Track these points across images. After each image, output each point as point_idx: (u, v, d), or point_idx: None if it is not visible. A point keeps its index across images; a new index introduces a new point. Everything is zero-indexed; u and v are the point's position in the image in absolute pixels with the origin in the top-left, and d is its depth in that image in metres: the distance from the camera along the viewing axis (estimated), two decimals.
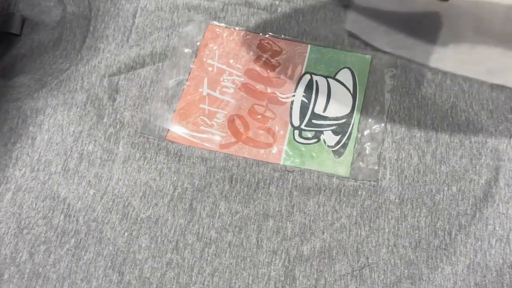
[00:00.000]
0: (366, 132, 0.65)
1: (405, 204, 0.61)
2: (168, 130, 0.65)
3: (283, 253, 0.59)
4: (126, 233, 0.60)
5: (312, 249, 0.59)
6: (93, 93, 0.68)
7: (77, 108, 0.67)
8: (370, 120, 0.65)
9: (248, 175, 0.63)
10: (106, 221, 0.61)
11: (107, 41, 0.71)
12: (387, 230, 0.60)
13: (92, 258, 0.59)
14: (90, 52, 0.70)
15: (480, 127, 0.65)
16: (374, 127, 0.65)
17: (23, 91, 0.68)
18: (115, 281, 0.58)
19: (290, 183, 0.63)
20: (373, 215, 0.61)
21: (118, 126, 0.66)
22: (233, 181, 0.63)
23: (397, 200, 0.62)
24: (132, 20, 0.73)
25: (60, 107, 0.67)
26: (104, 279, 0.58)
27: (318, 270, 0.58)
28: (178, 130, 0.65)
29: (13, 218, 0.61)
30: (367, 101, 0.66)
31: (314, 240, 0.60)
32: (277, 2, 0.73)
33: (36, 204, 0.62)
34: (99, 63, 0.70)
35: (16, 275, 0.58)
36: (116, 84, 0.68)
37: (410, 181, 0.62)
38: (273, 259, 0.59)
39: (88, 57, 0.70)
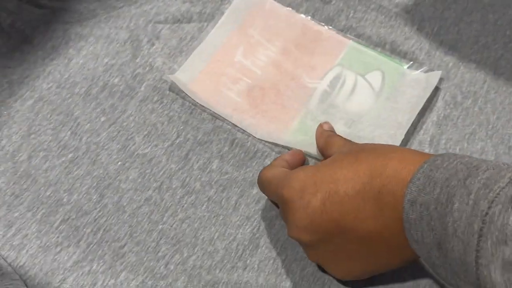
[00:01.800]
0: (377, 132, 0.64)
1: None
2: (191, 83, 0.68)
3: (256, 221, 0.60)
4: (119, 162, 0.63)
5: (283, 225, 0.60)
6: (135, 34, 0.71)
7: (117, 43, 0.71)
8: (384, 124, 0.65)
9: (249, 143, 0.65)
10: (106, 147, 0.64)
11: None
12: None
13: (81, 175, 0.62)
14: None
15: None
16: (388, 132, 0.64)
17: (74, 16, 0.73)
18: (94, 200, 0.61)
19: None
20: None
21: (147, 69, 0.69)
22: (234, 145, 0.64)
23: None
24: None
25: (103, 39, 0.71)
26: (85, 195, 0.61)
27: (283, 247, 0.59)
28: (199, 86, 0.68)
29: (26, 122, 0.65)
30: (388, 107, 0.66)
31: None
32: None
33: (50, 116, 0.66)
34: (150, 9, 0.73)
35: (11, 170, 0.63)
36: (159, 32, 0.72)
37: None
38: (244, 224, 0.60)
39: (143, 2, 0.74)
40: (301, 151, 0.61)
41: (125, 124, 0.65)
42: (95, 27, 0.72)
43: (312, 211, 0.49)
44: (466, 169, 0.40)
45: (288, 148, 0.64)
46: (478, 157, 0.43)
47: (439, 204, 0.40)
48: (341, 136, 0.59)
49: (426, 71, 0.68)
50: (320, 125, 0.62)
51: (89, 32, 0.71)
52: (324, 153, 0.59)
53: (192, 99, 0.66)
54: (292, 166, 0.58)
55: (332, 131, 0.61)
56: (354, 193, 0.47)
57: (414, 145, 0.64)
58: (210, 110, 0.66)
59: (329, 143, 0.58)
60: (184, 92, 0.67)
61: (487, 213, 0.36)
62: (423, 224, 0.41)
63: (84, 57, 0.70)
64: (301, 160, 0.60)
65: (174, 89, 0.67)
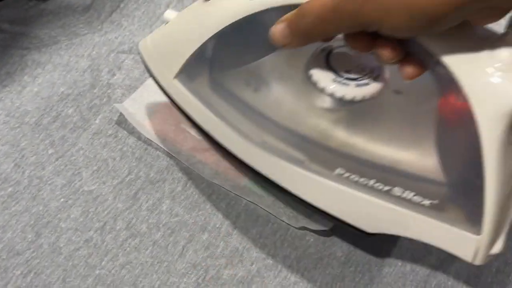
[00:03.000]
0: None
1: (350, 265, 0.55)
2: (143, 115, 0.63)
3: (202, 269, 0.55)
4: (62, 199, 0.59)
5: (233, 275, 0.54)
6: (96, 63, 0.68)
7: (76, 72, 0.67)
8: None
9: (204, 184, 0.60)
10: (49, 182, 0.60)
11: (132, 21, 0.71)
12: (318, 284, 0.54)
13: (18, 211, 0.58)
14: (111, 26, 0.71)
15: None
16: None
17: (34, 42, 0.69)
18: (29, 239, 0.56)
19: (242, 206, 0.59)
20: (310, 266, 0.55)
21: (104, 100, 0.65)
22: (188, 185, 0.60)
23: (342, 258, 0.56)
24: (164, 9, 0.72)
25: (61, 67, 0.67)
26: (19, 234, 0.57)
27: None
28: (157, 121, 0.63)
29: None
30: None
31: (239, 268, 0.55)
32: None
33: None
34: (115, 38, 0.70)
35: None
36: (122, 62, 0.68)
37: None
38: (189, 272, 0.55)
39: (108, 30, 0.70)
40: None
41: (73, 158, 0.61)
42: (54, 54, 0.68)
43: None
44: None
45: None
46: None
47: None
48: None
49: None
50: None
51: (47, 59, 0.68)
52: None
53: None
54: None
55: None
56: None
57: None
58: (162, 147, 0.61)
59: None
60: (141, 127, 0.62)
61: None
62: None
63: (39, 85, 0.66)
64: None
65: (130, 123, 0.63)
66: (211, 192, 0.59)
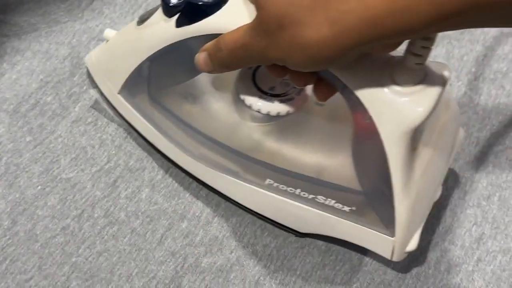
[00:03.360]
0: None
1: (330, 254, 0.55)
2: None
3: (181, 257, 0.54)
4: (39, 187, 0.58)
5: (212, 263, 0.54)
6: (76, 51, 0.67)
7: (56, 59, 0.66)
8: None
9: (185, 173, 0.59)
10: (27, 169, 0.59)
11: (113, 8, 0.70)
12: (297, 272, 0.54)
13: None
14: (93, 14, 0.70)
15: None
16: None
17: (13, 29, 0.68)
18: (5, 226, 0.55)
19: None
20: (290, 255, 0.55)
21: (84, 88, 0.64)
22: (168, 173, 0.59)
23: (323, 247, 0.55)
24: None
25: (41, 54, 0.66)
26: None
27: (208, 287, 0.53)
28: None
29: None
30: None
31: (219, 256, 0.54)
32: None
33: None
34: (96, 25, 0.69)
35: None
36: None
37: None
38: (168, 260, 0.54)
39: (89, 18, 0.69)
40: None
41: (52, 145, 0.60)
42: (34, 42, 0.67)
43: None
44: None
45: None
46: None
47: None
48: None
49: None
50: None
51: (26, 47, 0.67)
52: None
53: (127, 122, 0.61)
54: None
55: None
56: None
57: None
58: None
59: None
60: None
61: None
62: None
63: (17, 73, 0.65)
64: None
65: (111, 111, 0.62)
66: (191, 181, 0.58)
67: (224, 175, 0.54)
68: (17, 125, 0.61)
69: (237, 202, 0.56)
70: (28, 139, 0.60)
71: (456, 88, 0.65)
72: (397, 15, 0.33)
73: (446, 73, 0.42)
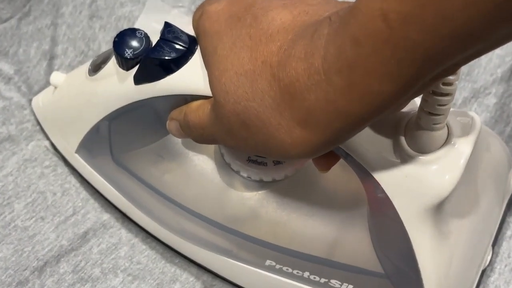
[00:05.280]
0: None
1: None
2: None
3: None
4: None
5: None
6: (27, 67, 0.54)
7: (3, 79, 0.54)
8: None
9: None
10: None
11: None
12: None
13: None
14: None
15: None
16: None
17: None
18: None
19: None
20: None
21: (38, 127, 0.52)
22: (149, 238, 0.48)
23: None
24: None
25: None
26: None
27: None
28: None
29: None
30: None
31: None
32: None
33: None
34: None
35: None
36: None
37: None
38: None
39: (36, 14, 0.57)
40: None
41: (1, 184, 0.47)
42: None
43: None
44: None
45: None
46: None
47: None
48: None
49: None
50: None
51: None
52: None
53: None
54: None
55: None
56: None
57: None
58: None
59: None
60: None
61: None
62: None
63: None
64: None
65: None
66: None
67: (215, 254, 0.43)
68: None
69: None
70: None
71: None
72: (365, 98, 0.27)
73: (475, 123, 0.34)
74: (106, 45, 0.55)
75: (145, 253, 0.46)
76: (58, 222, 0.47)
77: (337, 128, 0.28)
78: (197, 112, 0.34)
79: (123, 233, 0.47)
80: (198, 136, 0.35)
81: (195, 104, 0.35)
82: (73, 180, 0.50)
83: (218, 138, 0.33)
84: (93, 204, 0.49)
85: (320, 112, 0.27)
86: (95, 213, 0.48)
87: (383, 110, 0.27)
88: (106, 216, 0.48)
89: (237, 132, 0.31)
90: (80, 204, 0.49)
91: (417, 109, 0.32)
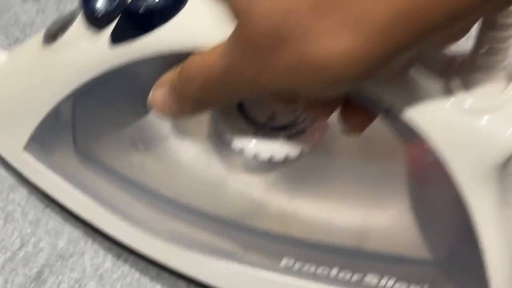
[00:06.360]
0: None
1: None
2: None
3: None
4: None
5: None
6: None
7: None
8: None
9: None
10: None
11: None
12: None
13: None
14: None
15: None
16: None
17: None
18: None
19: None
20: None
21: None
22: (122, 259, 0.39)
23: None
24: None
25: None
26: None
27: None
28: None
29: None
30: None
31: None
32: None
33: None
34: None
35: None
36: None
37: None
38: None
39: None
40: None
41: None
42: None
43: None
44: None
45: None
46: None
47: None
48: None
49: None
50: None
51: None
52: None
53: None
54: None
55: None
56: None
57: None
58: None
59: None
60: None
61: None
62: None
63: None
64: None
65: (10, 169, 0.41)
66: (159, 269, 0.39)
67: (215, 259, 0.36)
68: None
69: None
70: None
71: None
72: None
73: None
74: None
75: (117, 286, 0.38)
76: (3, 261, 0.37)
77: (403, 34, 0.24)
78: (202, 56, 0.28)
79: (87, 262, 0.38)
80: (197, 91, 0.29)
81: (197, 52, 0.29)
82: (17, 196, 0.40)
83: (232, 74, 0.27)
84: (45, 226, 0.40)
85: (383, 8, 0.23)
86: (49, 239, 0.39)
87: (460, 16, 0.23)
88: (63, 242, 0.39)
89: (264, 53, 0.26)
90: (29, 230, 0.39)
91: (470, 50, 0.27)
